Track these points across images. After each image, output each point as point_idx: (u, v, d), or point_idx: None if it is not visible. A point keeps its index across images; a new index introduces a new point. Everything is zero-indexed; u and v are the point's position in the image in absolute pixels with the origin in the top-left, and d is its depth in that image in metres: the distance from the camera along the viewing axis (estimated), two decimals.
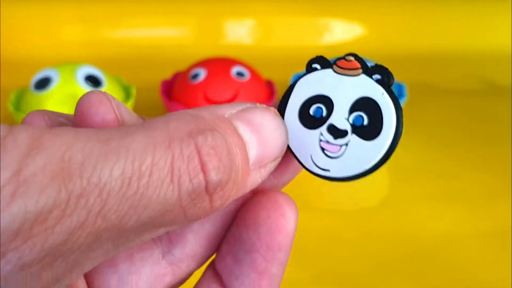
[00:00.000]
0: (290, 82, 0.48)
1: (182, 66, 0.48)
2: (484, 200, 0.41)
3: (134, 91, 0.45)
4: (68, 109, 0.41)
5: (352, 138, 0.13)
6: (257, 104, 0.13)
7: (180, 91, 0.45)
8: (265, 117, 0.13)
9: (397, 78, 0.52)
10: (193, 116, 0.11)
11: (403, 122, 0.13)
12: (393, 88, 0.47)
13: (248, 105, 0.13)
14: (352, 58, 0.13)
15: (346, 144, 0.13)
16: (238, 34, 0.66)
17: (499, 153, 0.47)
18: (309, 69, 0.14)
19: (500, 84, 0.60)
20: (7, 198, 0.09)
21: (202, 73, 0.45)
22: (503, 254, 0.36)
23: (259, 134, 0.12)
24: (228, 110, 0.12)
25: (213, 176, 0.11)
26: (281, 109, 0.14)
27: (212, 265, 0.15)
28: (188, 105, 0.44)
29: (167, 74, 0.49)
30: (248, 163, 0.12)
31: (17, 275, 0.09)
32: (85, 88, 0.42)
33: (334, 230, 0.38)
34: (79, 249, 0.10)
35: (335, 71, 0.13)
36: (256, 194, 0.14)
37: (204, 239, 0.14)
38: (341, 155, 0.13)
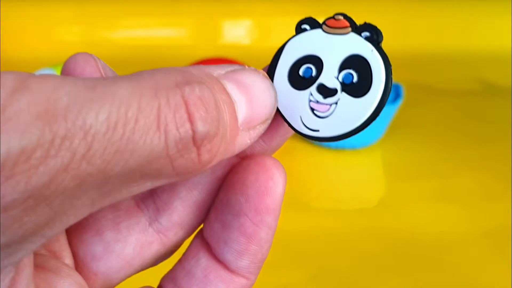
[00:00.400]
0: None
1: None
2: (481, 200, 0.41)
3: None
4: None
5: (341, 96, 0.13)
6: (246, 66, 0.13)
7: None
8: (254, 79, 0.13)
9: (394, 79, 0.52)
10: (181, 71, 0.11)
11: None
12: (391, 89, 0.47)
13: (237, 67, 0.13)
14: (341, 17, 0.13)
15: (336, 103, 0.13)
16: (236, 34, 0.66)
17: (496, 153, 0.47)
18: (299, 30, 0.14)
19: (496, 84, 0.61)
20: None
21: None
22: (499, 253, 0.36)
23: (248, 94, 0.12)
24: (216, 70, 0.12)
25: (200, 126, 0.11)
26: (271, 72, 0.14)
27: (200, 233, 0.15)
28: None
29: None
30: (237, 122, 0.12)
31: None
32: None
33: (332, 230, 0.38)
34: (63, 193, 0.09)
35: (324, 31, 0.13)
36: (244, 159, 0.14)
37: (192, 207, 0.14)
38: (331, 114, 0.13)
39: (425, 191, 0.42)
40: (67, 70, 0.12)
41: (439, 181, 0.43)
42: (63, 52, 0.62)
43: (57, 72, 0.42)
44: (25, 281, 0.11)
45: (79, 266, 0.14)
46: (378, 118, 0.46)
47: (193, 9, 0.66)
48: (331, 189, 0.44)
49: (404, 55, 0.64)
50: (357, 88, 0.12)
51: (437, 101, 0.56)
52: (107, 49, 0.63)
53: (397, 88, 0.47)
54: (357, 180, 0.45)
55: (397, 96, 0.46)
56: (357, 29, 0.13)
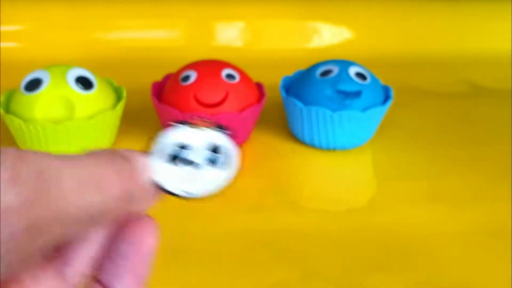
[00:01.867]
0: (280, 85, 0.48)
1: (173, 68, 0.48)
2: (471, 200, 0.42)
3: (125, 93, 0.45)
4: (58, 110, 0.41)
5: (206, 167, 0.17)
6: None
7: (170, 93, 0.46)
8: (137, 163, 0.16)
9: (384, 81, 0.53)
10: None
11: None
12: (381, 90, 0.47)
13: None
14: (202, 119, 0.18)
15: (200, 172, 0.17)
16: (229, 36, 0.66)
17: (484, 154, 0.48)
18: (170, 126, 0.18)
19: (485, 86, 0.62)
20: None
21: (193, 75, 0.45)
22: (490, 253, 0.36)
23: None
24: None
25: None
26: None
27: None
28: (178, 107, 0.44)
29: (158, 76, 0.49)
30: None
31: None
32: (76, 90, 0.42)
33: (322, 230, 0.38)
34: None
35: (190, 126, 0.18)
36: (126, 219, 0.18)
37: (89, 259, 0.18)
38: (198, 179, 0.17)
39: (415, 192, 0.43)
40: None
41: (429, 181, 0.44)
42: (56, 54, 0.62)
43: (50, 74, 0.42)
44: None
45: None
46: (369, 119, 0.47)
47: (186, 11, 0.66)
48: (321, 189, 0.44)
49: (393, 57, 0.65)
50: (218, 162, 0.17)
51: (427, 102, 0.57)
52: (101, 50, 0.63)
53: (387, 89, 0.48)
54: (347, 180, 0.45)
55: (387, 97, 0.47)
56: (213, 127, 0.18)
